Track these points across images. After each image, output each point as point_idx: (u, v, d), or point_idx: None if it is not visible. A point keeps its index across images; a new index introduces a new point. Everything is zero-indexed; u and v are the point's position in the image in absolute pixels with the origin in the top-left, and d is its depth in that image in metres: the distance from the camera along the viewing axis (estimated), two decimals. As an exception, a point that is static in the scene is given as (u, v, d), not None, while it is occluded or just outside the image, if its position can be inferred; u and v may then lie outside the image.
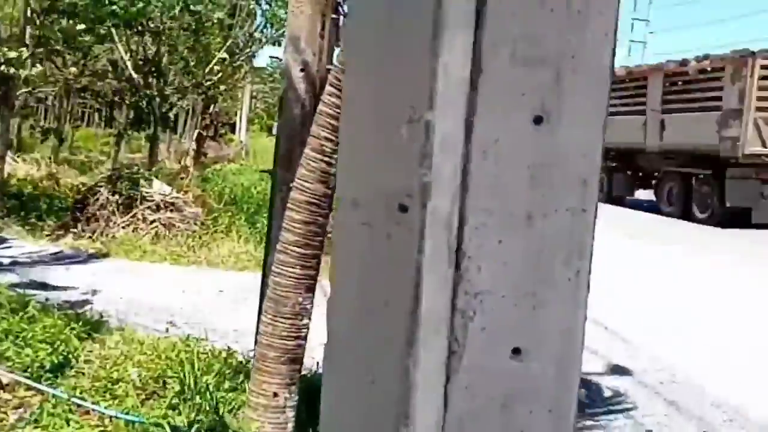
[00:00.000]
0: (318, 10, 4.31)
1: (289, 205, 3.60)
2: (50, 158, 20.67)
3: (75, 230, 12.42)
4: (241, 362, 5.86)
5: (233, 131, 47.89)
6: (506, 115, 1.11)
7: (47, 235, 12.17)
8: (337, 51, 4.34)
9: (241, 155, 34.80)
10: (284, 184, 4.52)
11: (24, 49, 12.12)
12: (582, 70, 1.14)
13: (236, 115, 46.89)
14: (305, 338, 3.68)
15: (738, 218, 18.08)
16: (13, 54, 11.52)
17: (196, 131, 21.94)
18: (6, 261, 9.71)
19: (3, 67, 11.35)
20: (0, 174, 13.34)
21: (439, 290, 1.14)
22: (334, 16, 4.42)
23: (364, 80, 1.19)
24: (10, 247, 10.96)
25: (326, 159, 3.56)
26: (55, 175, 17.90)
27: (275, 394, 3.55)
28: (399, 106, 1.11)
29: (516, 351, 1.18)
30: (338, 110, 3.53)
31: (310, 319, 3.69)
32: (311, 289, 3.65)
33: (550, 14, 1.12)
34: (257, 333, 4.85)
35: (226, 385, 5.27)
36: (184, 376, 5.19)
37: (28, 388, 5.27)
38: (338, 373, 1.21)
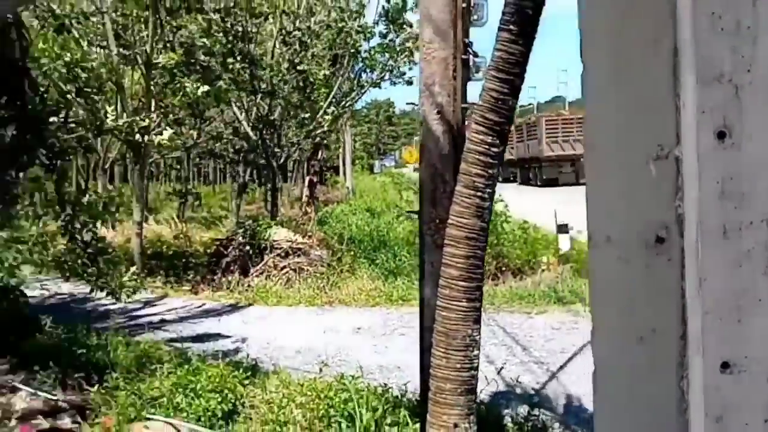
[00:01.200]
0: (449, 54, 4.49)
1: (447, 241, 3.75)
2: (178, 217, 21.96)
3: (213, 283, 13.15)
4: (396, 397, 6.03)
5: (337, 173, 49.09)
6: (694, 133, 1.20)
7: (188, 290, 12.93)
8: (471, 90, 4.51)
9: (348, 196, 35.57)
10: (431, 221, 4.70)
11: (154, 116, 13.06)
12: (759, 83, 1.22)
13: (338, 158, 48.07)
14: (477, 369, 3.79)
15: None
16: (144, 123, 12.43)
17: (308, 178, 22.72)
18: (156, 319, 10.38)
19: (137, 136, 12.27)
20: (140, 237, 14.33)
21: (694, 313, 1.23)
22: (464, 56, 4.60)
23: (605, 125, 1.32)
24: (156, 305, 11.71)
25: (479, 194, 3.69)
26: (186, 232, 18.96)
27: (455, 425, 3.66)
28: (644, 145, 1.23)
29: (725, 365, 1.24)
30: (487, 146, 3.66)
31: (479, 349, 3.80)
32: (477, 321, 3.76)
33: (721, 34, 1.21)
34: (422, 367, 5.01)
35: (388, 420, 5.44)
36: (349, 414, 5.42)
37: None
38: (610, 399, 1.32)
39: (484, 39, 4.76)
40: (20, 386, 6.66)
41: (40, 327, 8.25)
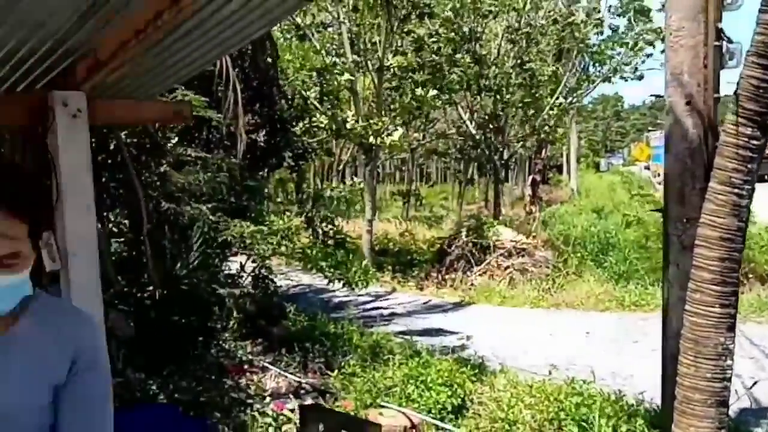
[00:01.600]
0: (699, 41, 4.18)
1: (698, 242, 3.50)
2: (402, 216, 22.82)
3: (436, 280, 13.48)
4: (632, 405, 5.74)
5: (560, 172, 47.87)
6: None
7: (414, 286, 13.37)
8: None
9: (572, 196, 34.51)
10: (678, 221, 4.41)
11: (386, 119, 13.69)
12: None
13: (561, 156, 46.87)
14: (729, 380, 3.50)
15: None
16: (377, 126, 13.06)
17: (531, 176, 22.43)
18: (386, 312, 10.85)
19: (371, 138, 12.93)
20: (370, 234, 15.11)
21: None
22: (716, 43, 4.26)
23: None
24: (385, 299, 12.24)
25: (736, 191, 3.40)
26: (410, 231, 19.65)
27: (705, 439, 3.41)
28: None
29: None
30: (746, 139, 3.36)
31: (732, 359, 3.50)
32: (731, 329, 3.47)
33: None
34: (664, 376, 4.73)
35: (624, 428, 5.19)
36: (581, 419, 5.25)
37: (437, 428, 5.80)
38: None
39: (739, 24, 4.38)
40: (270, 366, 7.34)
41: (286, 314, 9.02)
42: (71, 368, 1.41)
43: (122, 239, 7.11)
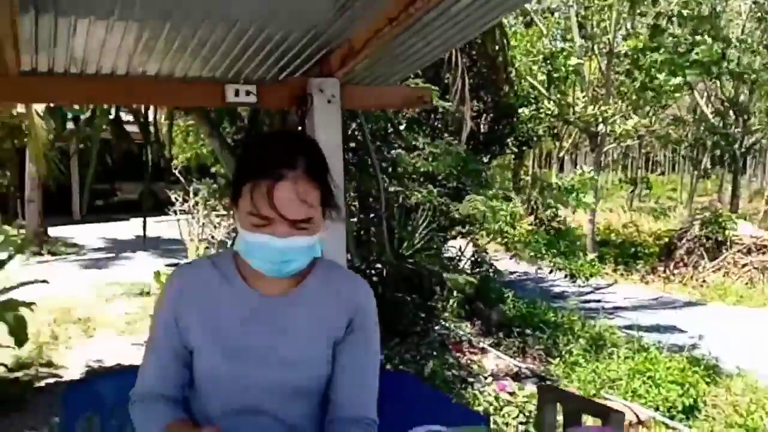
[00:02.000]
0: None
1: None
2: (627, 206, 21.75)
3: (663, 275, 12.71)
4: None
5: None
6: None
7: (638, 280, 12.74)
8: None
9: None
10: None
11: (616, 105, 13.12)
12: None
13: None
14: None
15: None
16: (609, 112, 12.53)
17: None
18: (609, 305, 10.46)
19: (600, 126, 12.47)
20: (592, 224, 14.62)
21: None
22: None
23: None
24: (606, 291, 11.79)
25: None
26: (634, 222, 18.70)
27: None
28: None
29: None
30: None
31: None
32: None
33: None
34: None
35: None
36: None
37: (666, 427, 5.52)
38: None
39: None
40: (489, 348, 7.44)
41: (504, 299, 9.06)
42: (348, 326, 1.55)
43: (354, 218, 7.58)
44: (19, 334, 5.52)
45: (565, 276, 8.78)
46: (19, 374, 6.36)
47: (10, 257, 5.69)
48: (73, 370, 6.49)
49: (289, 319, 1.52)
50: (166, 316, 1.54)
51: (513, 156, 11.08)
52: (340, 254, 3.53)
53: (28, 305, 5.79)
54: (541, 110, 10.50)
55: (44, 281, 6.32)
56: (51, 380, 6.25)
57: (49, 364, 6.69)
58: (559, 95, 12.05)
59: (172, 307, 1.53)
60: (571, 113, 12.41)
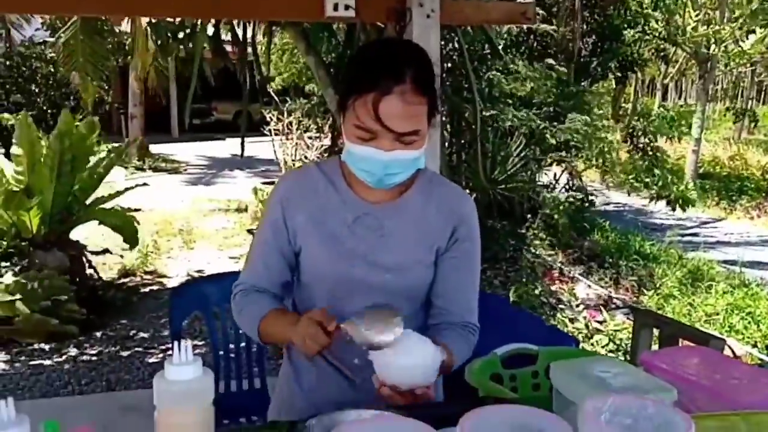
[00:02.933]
0: None
1: None
2: (734, 138, 20.55)
3: (770, 211, 12.06)
4: None
5: None
6: None
7: (743, 215, 12.15)
8: None
9: None
10: None
11: (733, 24, 12.04)
12: None
13: None
14: None
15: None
16: (722, 32, 11.54)
17: None
18: (711, 240, 10.04)
19: (713, 47, 11.52)
20: (696, 155, 13.95)
21: None
22: None
23: None
24: (709, 226, 11.30)
25: None
26: (742, 154, 17.70)
27: None
28: None
29: None
30: None
31: None
32: None
33: None
34: None
35: None
36: None
37: (761, 363, 5.33)
38: None
39: None
40: (580, 278, 7.33)
41: (598, 228, 8.85)
42: (451, 236, 1.58)
43: (445, 143, 7.48)
44: (129, 238, 5.85)
45: (667, 204, 8.42)
46: (125, 280, 6.77)
47: (112, 164, 5.99)
48: (174, 280, 6.84)
49: (393, 226, 1.55)
50: (274, 217, 1.58)
51: (615, 81, 10.56)
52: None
53: (134, 212, 6.11)
54: (648, 31, 9.86)
55: (145, 184, 6.63)
56: (155, 287, 6.62)
57: (153, 272, 7.07)
58: (667, 15, 11.27)
59: (280, 208, 1.57)
60: (680, 35, 11.63)
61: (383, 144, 1.40)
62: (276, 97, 11.32)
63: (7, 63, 13.89)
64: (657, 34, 10.57)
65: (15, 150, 5.44)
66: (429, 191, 1.59)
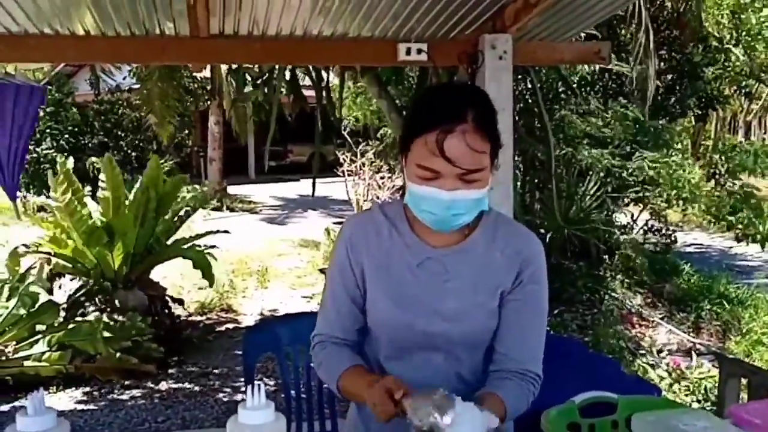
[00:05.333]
0: None
1: None
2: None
3: None
4: None
5: None
6: None
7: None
8: None
9: None
10: None
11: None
12: None
13: None
14: None
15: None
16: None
17: None
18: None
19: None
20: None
21: None
22: None
23: None
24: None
25: None
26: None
27: None
28: None
29: None
30: None
31: None
32: None
33: None
34: None
35: None
36: None
37: None
38: None
39: None
40: (661, 322, 7.07)
41: (679, 271, 8.52)
42: (516, 279, 1.53)
43: (518, 182, 7.41)
44: (206, 276, 6.00)
45: (753, 242, 7.99)
46: (201, 318, 6.92)
47: (194, 209, 6.18)
48: (249, 318, 6.96)
49: (457, 271, 1.52)
50: (341, 260, 1.58)
51: (694, 119, 10.26)
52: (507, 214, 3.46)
53: (211, 249, 6.27)
54: (728, 68, 9.54)
55: (226, 231, 6.80)
56: (230, 325, 6.75)
57: (229, 309, 7.22)
58: (749, 50, 10.91)
59: (346, 252, 1.57)
60: (763, 70, 11.20)
61: (445, 183, 1.39)
62: (349, 139, 11.51)
63: (96, 108, 14.62)
64: (738, 71, 10.24)
65: (101, 193, 5.69)
66: (493, 232, 1.56)
